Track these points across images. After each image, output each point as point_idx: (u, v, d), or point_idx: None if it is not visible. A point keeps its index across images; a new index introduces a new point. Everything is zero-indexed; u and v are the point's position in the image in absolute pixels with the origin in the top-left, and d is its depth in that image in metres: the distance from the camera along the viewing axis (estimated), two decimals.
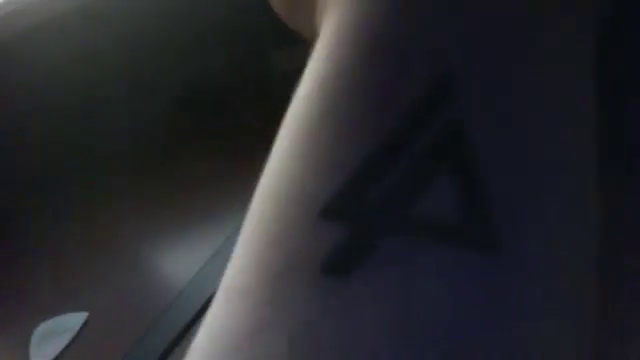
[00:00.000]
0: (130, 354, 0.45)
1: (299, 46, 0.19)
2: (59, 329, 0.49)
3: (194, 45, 0.62)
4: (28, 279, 0.53)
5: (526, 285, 0.13)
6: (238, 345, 0.13)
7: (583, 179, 0.14)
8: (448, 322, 0.12)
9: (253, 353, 0.13)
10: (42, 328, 0.49)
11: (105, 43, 0.59)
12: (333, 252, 0.13)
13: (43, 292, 0.52)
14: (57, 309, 0.50)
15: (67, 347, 0.48)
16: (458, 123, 0.13)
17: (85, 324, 0.49)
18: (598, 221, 0.15)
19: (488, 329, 0.12)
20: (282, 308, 0.13)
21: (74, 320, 0.49)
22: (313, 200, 0.13)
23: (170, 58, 0.62)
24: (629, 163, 0.23)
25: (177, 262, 0.52)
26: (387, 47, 0.14)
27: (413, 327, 0.12)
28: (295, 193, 0.14)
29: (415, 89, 0.13)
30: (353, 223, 0.13)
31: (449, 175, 0.13)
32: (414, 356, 0.12)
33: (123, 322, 0.48)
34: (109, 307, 0.50)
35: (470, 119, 0.13)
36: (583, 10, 0.15)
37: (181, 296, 0.48)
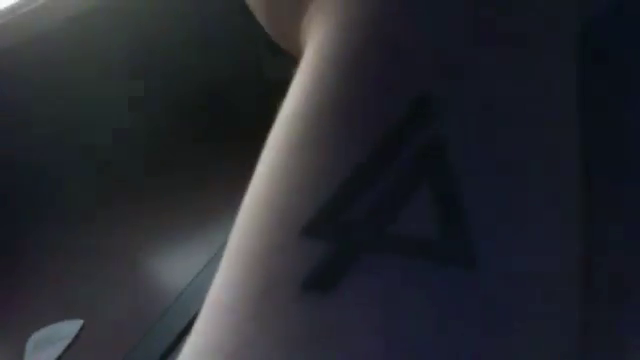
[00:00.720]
0: None
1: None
2: (54, 337, 0.49)
3: (192, 52, 0.62)
4: (23, 287, 0.53)
5: (505, 299, 0.13)
6: None
7: (566, 191, 0.15)
8: (432, 335, 0.12)
9: None
10: (37, 336, 0.49)
11: (106, 50, 0.59)
12: (315, 268, 0.13)
13: (38, 300, 0.52)
14: (52, 317, 0.50)
15: (62, 355, 0.48)
16: (438, 141, 0.13)
17: (80, 332, 0.49)
18: (582, 233, 0.15)
19: (469, 341, 0.12)
20: (266, 324, 0.13)
21: (69, 328, 0.49)
22: (296, 217, 0.14)
23: (170, 66, 0.62)
24: (629, 169, 0.24)
25: (173, 268, 0.52)
26: (368, 67, 0.14)
27: (397, 340, 0.12)
28: (278, 210, 0.14)
29: (396, 108, 0.14)
30: (335, 240, 0.13)
31: (429, 192, 0.13)
32: None
33: (119, 329, 0.48)
34: (105, 314, 0.49)
35: (449, 137, 0.13)
36: (567, 30, 0.15)
37: (177, 302, 0.48)
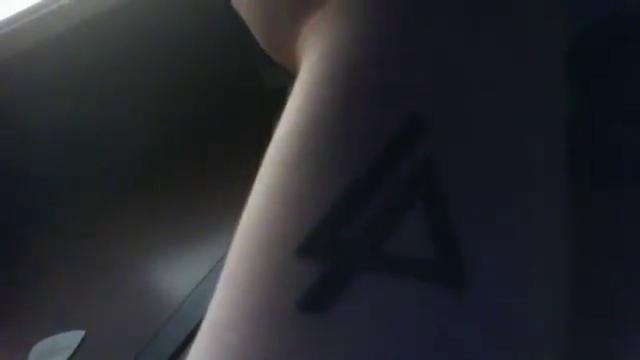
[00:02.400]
0: None
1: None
2: (56, 348, 0.49)
3: (193, 59, 0.62)
4: (25, 298, 0.53)
5: (500, 317, 0.13)
6: None
7: (553, 205, 0.15)
8: (429, 354, 0.12)
9: None
10: (39, 347, 0.49)
11: (105, 61, 0.59)
12: (309, 289, 0.13)
13: (40, 311, 0.52)
14: (54, 328, 0.50)
15: None
16: (429, 161, 0.13)
17: (82, 342, 0.49)
18: (569, 249, 0.15)
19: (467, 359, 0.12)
20: (263, 344, 0.13)
21: (71, 338, 0.49)
22: (292, 236, 0.14)
23: (171, 70, 0.62)
24: (615, 180, 0.24)
25: (176, 276, 0.52)
26: (362, 85, 0.14)
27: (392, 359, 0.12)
28: (275, 228, 0.14)
29: (390, 126, 0.14)
30: (328, 260, 0.13)
31: (419, 212, 0.13)
32: None
33: (121, 339, 0.48)
34: (106, 324, 0.49)
35: (440, 157, 0.14)
36: (552, 43, 0.16)
37: (179, 311, 0.48)
